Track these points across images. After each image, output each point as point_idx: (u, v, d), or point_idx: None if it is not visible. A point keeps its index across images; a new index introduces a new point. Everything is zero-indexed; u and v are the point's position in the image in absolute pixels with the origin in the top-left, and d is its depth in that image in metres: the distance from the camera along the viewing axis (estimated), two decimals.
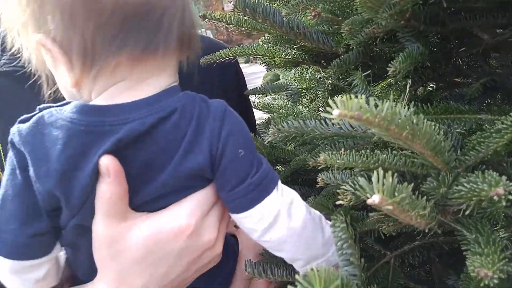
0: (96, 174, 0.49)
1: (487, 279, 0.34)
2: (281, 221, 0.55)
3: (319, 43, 0.75)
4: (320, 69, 0.97)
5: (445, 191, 0.41)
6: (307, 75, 1.06)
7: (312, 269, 0.33)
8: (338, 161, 0.47)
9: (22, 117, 0.52)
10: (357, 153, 0.46)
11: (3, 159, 0.75)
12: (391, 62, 0.54)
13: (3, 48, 0.75)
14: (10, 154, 0.50)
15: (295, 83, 1.07)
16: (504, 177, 0.36)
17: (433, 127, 0.38)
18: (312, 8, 0.62)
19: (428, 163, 0.43)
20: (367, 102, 0.32)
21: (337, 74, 0.71)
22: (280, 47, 0.96)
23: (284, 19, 0.72)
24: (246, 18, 0.79)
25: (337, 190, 0.48)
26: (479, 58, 0.71)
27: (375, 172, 0.34)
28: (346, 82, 0.85)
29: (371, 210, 0.52)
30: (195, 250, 0.57)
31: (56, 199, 0.50)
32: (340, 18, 0.66)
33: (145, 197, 0.53)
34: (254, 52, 0.99)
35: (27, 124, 0.50)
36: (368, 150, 0.47)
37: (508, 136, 0.39)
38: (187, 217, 0.55)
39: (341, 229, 0.50)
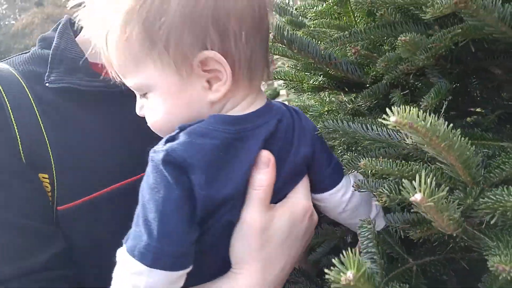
0: (250, 170, 0.59)
1: (504, 273, 0.41)
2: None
3: (347, 72, 0.85)
4: (342, 94, 1.06)
5: (471, 202, 0.49)
6: (327, 99, 1.16)
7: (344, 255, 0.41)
8: (377, 167, 0.55)
9: (166, 137, 0.57)
10: (394, 162, 0.55)
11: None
12: (423, 97, 0.63)
13: (52, 65, 0.78)
14: (160, 173, 0.53)
15: (316, 105, 1.16)
16: None
17: (465, 143, 0.46)
18: (352, 46, 0.71)
19: (457, 175, 0.51)
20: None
21: (368, 101, 0.80)
22: (306, 73, 1.06)
23: (322, 52, 0.81)
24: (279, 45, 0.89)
25: (374, 193, 0.56)
26: (493, 91, 0.80)
27: (417, 175, 0.42)
28: (366, 107, 0.95)
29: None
30: (312, 226, 0.68)
31: (217, 203, 0.56)
32: (375, 55, 0.75)
33: (276, 185, 0.62)
34: (284, 77, 1.09)
35: (180, 141, 0.55)
36: (402, 160, 0.55)
37: None
38: (307, 200, 0.67)
39: (367, 230, 0.57)
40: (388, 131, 0.63)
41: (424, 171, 0.54)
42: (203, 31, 0.54)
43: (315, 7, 0.97)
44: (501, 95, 0.82)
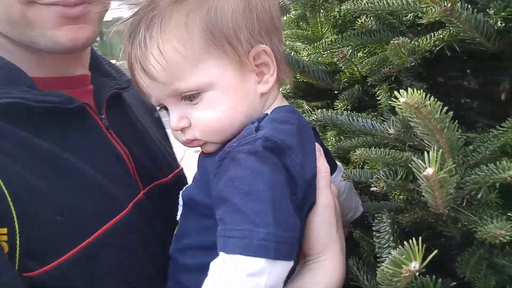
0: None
1: (501, 237, 0.46)
2: None
3: (319, 80, 0.91)
4: (305, 102, 1.12)
5: (458, 180, 0.54)
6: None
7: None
8: (371, 155, 0.59)
9: (248, 130, 0.58)
10: (386, 151, 0.59)
11: None
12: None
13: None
14: (261, 159, 0.53)
15: None
16: None
17: (454, 126, 0.51)
18: (340, 51, 0.77)
19: (442, 158, 0.56)
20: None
21: (345, 104, 0.85)
22: None
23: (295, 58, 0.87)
24: None
25: (371, 180, 0.60)
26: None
27: (427, 154, 0.46)
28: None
29: None
30: None
31: (306, 185, 0.60)
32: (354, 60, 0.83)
33: None
34: None
35: (269, 128, 0.58)
36: (388, 149, 0.60)
37: (503, 140, 0.53)
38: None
39: (387, 224, 0.61)
40: (372, 122, 0.69)
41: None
42: (256, 27, 0.60)
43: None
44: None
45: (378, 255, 0.64)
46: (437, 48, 0.67)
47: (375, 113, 0.82)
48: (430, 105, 0.47)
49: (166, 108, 0.65)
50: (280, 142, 0.56)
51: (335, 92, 0.90)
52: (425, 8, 0.60)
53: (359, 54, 0.85)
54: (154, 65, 0.58)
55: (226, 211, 0.54)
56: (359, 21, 0.79)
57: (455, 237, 0.72)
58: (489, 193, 0.55)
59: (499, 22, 0.65)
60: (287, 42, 1.08)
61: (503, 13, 0.63)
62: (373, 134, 0.68)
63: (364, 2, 0.66)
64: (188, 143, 0.64)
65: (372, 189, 0.60)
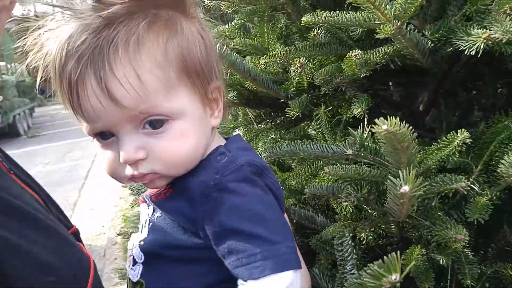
0: None
1: (462, 241, 0.51)
2: None
3: (268, 88, 0.91)
4: (248, 110, 1.12)
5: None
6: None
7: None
8: (339, 172, 0.60)
9: (224, 161, 0.58)
10: (351, 167, 0.62)
11: None
12: (358, 103, 0.74)
13: None
14: (252, 184, 0.56)
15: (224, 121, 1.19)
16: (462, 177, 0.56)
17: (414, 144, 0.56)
18: (298, 60, 0.77)
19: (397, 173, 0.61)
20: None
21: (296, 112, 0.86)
22: None
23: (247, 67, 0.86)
24: None
25: (341, 195, 0.61)
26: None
27: (402, 172, 0.49)
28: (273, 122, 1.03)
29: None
30: None
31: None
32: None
33: None
34: None
35: (242, 155, 0.59)
36: (356, 166, 0.63)
37: (446, 152, 0.60)
38: None
39: (349, 238, 0.63)
40: (331, 147, 0.71)
41: (376, 173, 0.62)
42: (214, 63, 0.62)
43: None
44: None
45: (340, 266, 0.66)
46: (383, 62, 0.73)
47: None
48: (402, 131, 0.50)
49: (105, 137, 0.57)
50: (259, 165, 0.58)
51: (281, 100, 0.91)
52: (380, 25, 0.64)
53: (309, 65, 0.87)
54: (126, 88, 0.52)
55: (237, 240, 0.53)
56: (312, 33, 0.81)
57: (396, 237, 0.78)
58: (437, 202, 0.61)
59: (430, 42, 0.73)
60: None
61: (436, 35, 0.71)
62: (329, 157, 0.70)
63: (323, 15, 0.67)
64: (137, 178, 0.58)
65: (344, 203, 0.62)
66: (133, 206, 1.34)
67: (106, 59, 0.51)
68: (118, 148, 0.56)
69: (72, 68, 0.52)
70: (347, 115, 0.79)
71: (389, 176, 0.54)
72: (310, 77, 0.82)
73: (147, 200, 0.66)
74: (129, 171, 0.57)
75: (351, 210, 0.79)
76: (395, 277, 0.45)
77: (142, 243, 0.63)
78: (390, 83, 1.02)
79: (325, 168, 0.64)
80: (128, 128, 0.55)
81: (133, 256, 0.63)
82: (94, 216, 4.74)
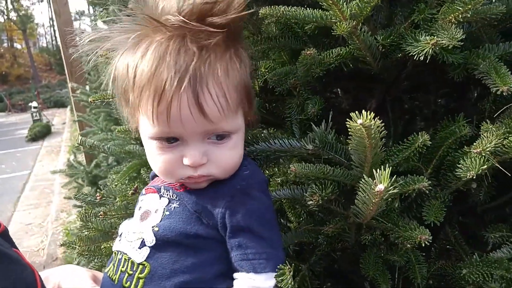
0: None
1: (426, 241, 0.52)
2: None
3: None
4: None
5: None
6: None
7: None
8: (303, 170, 0.59)
9: (248, 168, 0.70)
10: (316, 166, 0.60)
11: None
12: (311, 104, 0.73)
13: None
14: (265, 193, 0.69)
15: None
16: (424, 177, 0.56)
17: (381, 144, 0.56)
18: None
19: (360, 173, 0.60)
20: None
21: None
22: None
23: None
24: None
25: (305, 194, 0.60)
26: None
27: (378, 172, 0.49)
28: None
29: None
30: None
31: None
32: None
33: None
34: None
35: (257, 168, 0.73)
36: (321, 165, 0.62)
37: (407, 153, 0.61)
38: None
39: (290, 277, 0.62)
40: (290, 141, 0.70)
41: (339, 173, 0.62)
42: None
43: None
44: None
45: None
46: (336, 64, 0.73)
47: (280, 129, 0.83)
48: (375, 128, 0.50)
49: (171, 142, 0.65)
50: (266, 179, 0.71)
51: None
52: (336, 23, 0.64)
53: (261, 68, 0.85)
54: (217, 106, 0.61)
55: (248, 238, 0.65)
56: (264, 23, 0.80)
57: (350, 241, 0.78)
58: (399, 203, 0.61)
59: (381, 47, 0.75)
60: None
61: (388, 40, 0.73)
62: (292, 151, 0.69)
63: (282, 9, 0.67)
64: (194, 178, 0.67)
65: (309, 203, 0.60)
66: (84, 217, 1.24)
67: (204, 78, 0.60)
68: (182, 152, 0.65)
69: (169, 79, 0.59)
70: (302, 117, 0.79)
71: (363, 175, 0.53)
72: (261, 81, 0.81)
73: (164, 191, 0.73)
74: (188, 172, 0.66)
75: (305, 216, 0.78)
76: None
77: (156, 228, 0.68)
78: (339, 90, 1.04)
79: (290, 166, 0.63)
80: (198, 138, 0.64)
81: (143, 239, 0.69)
82: (32, 231, 4.40)
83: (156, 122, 0.62)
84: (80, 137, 1.01)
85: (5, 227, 0.66)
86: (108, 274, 0.73)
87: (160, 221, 0.69)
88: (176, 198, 0.71)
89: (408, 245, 0.74)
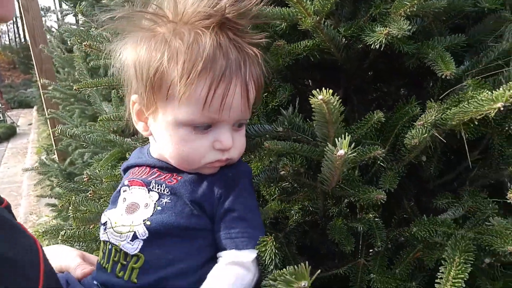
0: None
1: (381, 200, 0.61)
2: None
3: None
4: None
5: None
6: None
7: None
8: (276, 146, 0.67)
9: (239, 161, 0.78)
10: (286, 142, 0.69)
11: None
12: (282, 91, 0.81)
13: None
14: (251, 182, 0.78)
15: None
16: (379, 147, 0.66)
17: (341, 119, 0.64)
18: None
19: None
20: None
21: None
22: None
23: None
24: None
25: (279, 165, 0.67)
26: None
27: (339, 140, 0.57)
28: None
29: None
30: None
31: None
32: None
33: None
34: None
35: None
36: (290, 142, 0.70)
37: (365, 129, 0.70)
38: None
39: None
40: (263, 126, 0.78)
41: (306, 149, 0.70)
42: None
43: None
44: None
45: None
46: (304, 54, 0.82)
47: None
48: (334, 104, 0.58)
49: (206, 128, 0.70)
50: (250, 170, 0.79)
51: None
52: (302, 19, 0.72)
53: None
54: (254, 95, 0.71)
55: (233, 220, 0.71)
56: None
57: (319, 213, 0.87)
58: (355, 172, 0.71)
59: (344, 38, 0.84)
60: None
61: (349, 31, 0.82)
62: (265, 134, 0.77)
63: (255, 8, 0.74)
64: (221, 163, 0.73)
65: (281, 173, 0.68)
66: (56, 217, 1.28)
67: (249, 70, 0.68)
68: (214, 137, 0.70)
69: (227, 66, 0.66)
70: (273, 103, 0.87)
71: (327, 144, 0.62)
72: None
73: (154, 185, 0.75)
74: (218, 156, 0.71)
75: (278, 191, 0.86)
76: (304, 284, 0.51)
77: (148, 223, 0.71)
78: (310, 81, 1.12)
79: (264, 143, 0.71)
80: (229, 125, 0.71)
81: (135, 232, 0.72)
82: None
83: (208, 107, 0.66)
84: (60, 127, 1.05)
85: (8, 202, 0.68)
86: (100, 262, 0.76)
87: (152, 215, 0.72)
88: (167, 192, 0.73)
89: (370, 215, 0.84)
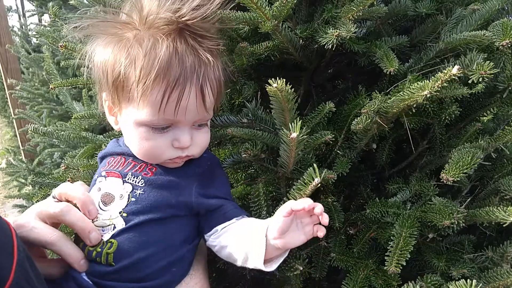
0: None
1: (331, 179, 0.69)
2: None
3: None
4: None
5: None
6: None
7: None
8: (239, 133, 0.74)
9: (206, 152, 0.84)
10: (248, 130, 0.76)
11: None
12: (247, 88, 0.89)
13: None
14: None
15: None
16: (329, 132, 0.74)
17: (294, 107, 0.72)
18: None
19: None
20: None
21: None
22: None
23: None
24: None
25: (241, 150, 0.74)
26: None
27: (292, 124, 0.64)
28: None
29: None
30: None
31: None
32: None
33: None
34: None
35: None
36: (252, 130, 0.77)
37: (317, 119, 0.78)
38: None
39: None
40: (228, 117, 0.85)
41: (267, 136, 0.78)
42: None
43: None
44: None
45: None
46: (266, 54, 0.90)
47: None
48: (287, 91, 0.66)
49: (165, 128, 0.75)
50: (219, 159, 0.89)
51: None
52: (261, 23, 0.80)
53: None
54: (211, 98, 0.75)
55: (225, 201, 0.79)
56: None
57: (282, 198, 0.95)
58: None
59: (301, 40, 0.92)
60: None
61: (305, 33, 0.90)
62: (231, 124, 0.85)
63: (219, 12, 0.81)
64: (182, 159, 0.78)
65: (243, 155, 0.75)
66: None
67: (206, 74, 0.72)
68: (173, 136, 0.75)
69: (183, 73, 0.70)
70: (239, 100, 0.94)
71: (282, 127, 0.69)
72: None
73: (130, 176, 0.79)
74: (177, 153, 0.76)
75: (244, 177, 0.94)
76: (317, 180, 0.62)
77: (125, 214, 0.76)
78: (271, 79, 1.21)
79: (227, 130, 0.79)
80: (187, 124, 0.75)
81: (114, 225, 0.76)
82: None
83: (163, 110, 0.71)
84: (32, 125, 1.08)
85: None
86: None
87: (126, 206, 0.76)
88: (141, 184, 0.78)
89: (329, 199, 0.92)
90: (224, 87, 0.80)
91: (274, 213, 0.73)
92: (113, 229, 0.75)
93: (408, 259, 0.75)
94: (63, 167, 0.96)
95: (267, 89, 0.65)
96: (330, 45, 0.82)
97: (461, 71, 0.63)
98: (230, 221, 0.77)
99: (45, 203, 0.78)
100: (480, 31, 0.78)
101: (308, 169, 0.64)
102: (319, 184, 0.64)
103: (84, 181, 0.85)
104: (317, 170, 0.64)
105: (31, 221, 0.73)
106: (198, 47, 0.73)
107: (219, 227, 0.77)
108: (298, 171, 0.79)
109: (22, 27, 4.92)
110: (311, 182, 0.64)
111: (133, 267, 0.74)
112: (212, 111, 0.79)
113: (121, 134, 0.84)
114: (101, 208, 0.78)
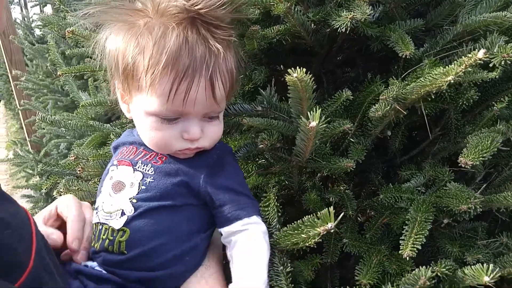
0: None
1: (350, 167, 0.67)
2: None
3: None
4: None
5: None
6: None
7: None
8: (254, 122, 0.73)
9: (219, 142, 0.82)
10: (264, 119, 0.75)
11: None
12: (258, 73, 0.87)
13: None
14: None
15: None
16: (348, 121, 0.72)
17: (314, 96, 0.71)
18: None
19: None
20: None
21: None
22: None
23: None
24: None
25: (257, 140, 0.73)
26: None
27: (311, 113, 0.63)
28: None
29: None
30: None
31: None
32: None
33: None
34: None
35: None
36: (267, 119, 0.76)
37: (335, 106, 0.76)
38: None
39: None
40: (242, 105, 0.83)
41: (282, 125, 0.76)
42: None
43: None
44: None
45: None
46: (277, 38, 0.87)
47: None
48: (307, 81, 0.64)
49: (174, 119, 0.73)
50: (231, 148, 0.86)
51: None
52: (274, 5, 0.78)
53: None
54: (222, 90, 0.72)
55: (235, 195, 0.77)
56: None
57: (294, 187, 0.94)
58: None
59: (313, 23, 0.90)
60: None
61: (317, 16, 0.88)
62: (244, 113, 0.83)
63: None
64: (191, 151, 0.77)
65: (260, 146, 0.74)
66: (33, 208, 1.30)
67: (216, 65, 0.70)
68: (183, 128, 0.73)
69: (192, 63, 0.67)
70: (249, 85, 0.92)
71: (300, 116, 0.67)
72: None
73: (140, 165, 0.79)
74: (186, 145, 0.75)
75: (256, 168, 0.92)
76: (331, 225, 0.59)
77: (134, 200, 0.76)
78: (282, 66, 1.19)
79: (243, 119, 0.77)
80: (198, 117, 0.74)
81: (123, 210, 0.76)
82: None
83: (171, 101, 0.69)
84: (40, 114, 1.07)
85: None
86: (91, 244, 0.80)
87: (137, 193, 0.76)
88: (151, 172, 0.77)
89: (341, 187, 0.91)
90: (237, 79, 0.78)
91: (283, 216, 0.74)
92: (122, 215, 0.75)
93: (422, 244, 0.74)
94: (73, 157, 0.95)
95: (286, 79, 0.63)
96: (344, 28, 0.80)
97: (487, 55, 0.60)
98: (232, 226, 0.76)
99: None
100: (501, 12, 0.76)
101: (323, 211, 0.61)
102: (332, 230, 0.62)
103: (94, 170, 0.85)
104: (332, 214, 0.61)
105: None
106: (210, 37, 0.70)
107: (223, 231, 0.78)
108: (313, 160, 0.78)
109: (24, 19, 4.89)
110: (324, 225, 0.62)
111: (145, 255, 0.74)
112: (224, 103, 0.77)
113: (124, 124, 0.83)
114: (111, 196, 0.79)
